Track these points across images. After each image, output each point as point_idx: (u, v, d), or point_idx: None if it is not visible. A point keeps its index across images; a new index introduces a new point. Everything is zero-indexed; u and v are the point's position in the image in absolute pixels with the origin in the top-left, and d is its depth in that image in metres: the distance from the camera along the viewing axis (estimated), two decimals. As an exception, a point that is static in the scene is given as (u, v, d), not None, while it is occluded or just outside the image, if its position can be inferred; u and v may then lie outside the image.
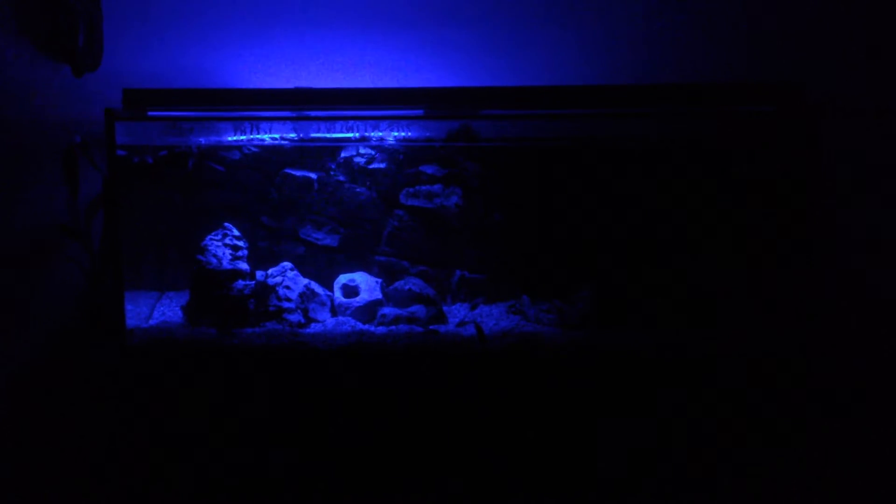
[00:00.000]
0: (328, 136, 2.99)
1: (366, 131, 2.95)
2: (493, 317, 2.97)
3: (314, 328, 2.84)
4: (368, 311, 2.93)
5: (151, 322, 2.86)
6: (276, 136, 3.00)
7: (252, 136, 2.98)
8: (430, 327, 2.82)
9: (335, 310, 2.96)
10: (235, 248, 2.93)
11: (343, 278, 3.04)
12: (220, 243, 2.91)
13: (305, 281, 2.97)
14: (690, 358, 2.70)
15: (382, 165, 3.11)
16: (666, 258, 2.99)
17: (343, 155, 3.12)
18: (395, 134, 2.97)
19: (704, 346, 2.76)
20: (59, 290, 2.89)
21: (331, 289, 3.01)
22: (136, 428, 2.65)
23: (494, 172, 3.11)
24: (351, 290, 3.00)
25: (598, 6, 3.12)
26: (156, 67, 3.03)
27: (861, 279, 3.01)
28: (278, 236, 3.14)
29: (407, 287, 2.99)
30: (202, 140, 3.00)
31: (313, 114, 2.83)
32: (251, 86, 3.09)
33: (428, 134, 3.00)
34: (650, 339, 2.79)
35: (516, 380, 2.67)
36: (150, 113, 2.68)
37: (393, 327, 2.84)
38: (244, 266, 2.89)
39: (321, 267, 3.12)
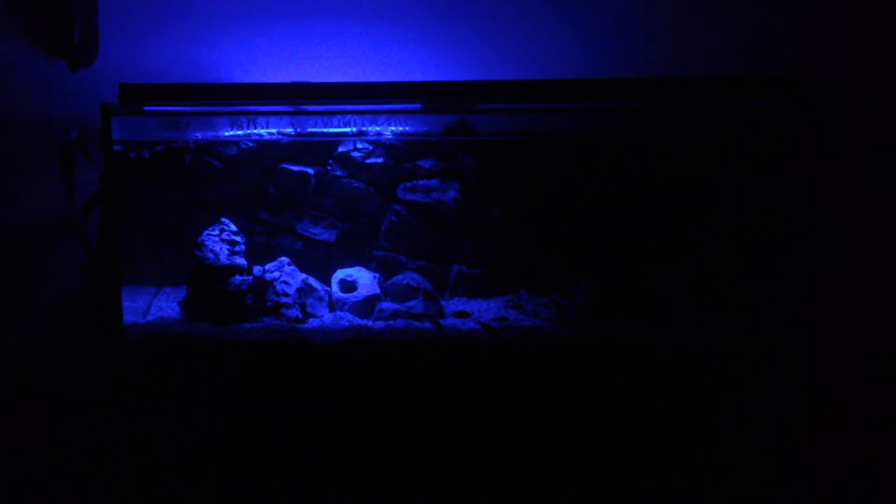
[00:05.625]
0: (325, 130, 2.98)
1: (363, 126, 2.94)
2: (490, 311, 2.97)
3: (312, 323, 2.84)
4: (366, 306, 2.93)
5: (149, 318, 2.86)
6: (273, 130, 2.99)
7: (249, 131, 2.97)
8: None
9: (333, 305, 2.95)
10: (233, 243, 2.92)
11: (341, 273, 3.03)
12: (217, 238, 2.91)
13: (303, 276, 2.97)
14: (690, 353, 2.70)
15: (380, 160, 3.11)
16: (664, 253, 2.99)
17: (340, 149, 3.12)
18: (393, 128, 2.97)
19: (704, 341, 2.76)
20: (55, 287, 2.89)
21: (328, 284, 3.01)
22: (134, 424, 2.65)
23: (492, 167, 3.10)
24: (349, 285, 3.00)
25: (595, 0, 3.11)
26: (152, 62, 3.02)
27: (861, 276, 3.01)
28: (276, 231, 3.14)
29: (405, 282, 2.99)
30: (199, 135, 2.99)
31: (310, 108, 2.82)
32: (248, 80, 3.08)
33: (425, 128, 2.99)
34: (649, 334, 2.79)
35: (514, 374, 2.67)
36: (146, 108, 2.67)
37: (391, 322, 2.83)
38: (241, 261, 2.89)
39: (319, 262, 3.12)
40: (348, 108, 2.82)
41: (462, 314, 2.90)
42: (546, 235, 3.08)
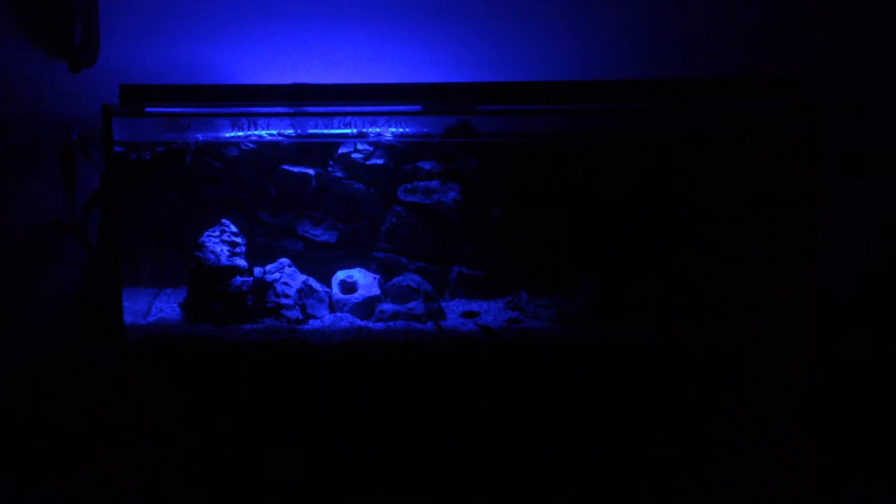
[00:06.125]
0: (326, 131, 2.98)
1: (363, 127, 2.95)
2: (490, 312, 2.97)
3: (312, 324, 2.84)
4: (367, 308, 2.93)
5: (149, 319, 2.86)
6: (274, 132, 3.00)
7: (249, 133, 2.98)
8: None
9: (333, 306, 2.95)
10: (233, 244, 2.92)
11: (341, 274, 3.03)
12: (217, 239, 2.91)
13: (303, 277, 2.97)
14: (690, 353, 2.70)
15: (380, 161, 3.11)
16: (664, 253, 2.99)
17: (341, 151, 3.12)
18: (393, 130, 2.97)
19: (704, 341, 2.75)
20: (56, 288, 2.88)
21: (329, 285, 3.01)
22: (134, 424, 2.65)
23: (493, 168, 3.11)
24: (349, 287, 3.00)
25: (597, 1, 3.12)
26: (153, 63, 3.03)
27: (861, 276, 3.01)
28: (276, 232, 3.14)
29: (405, 283, 2.99)
30: (199, 136, 3.00)
31: (311, 110, 2.82)
32: (249, 81, 3.08)
33: (426, 130, 2.99)
34: (648, 335, 2.78)
35: (514, 375, 2.67)
36: (147, 109, 2.68)
37: (391, 323, 2.83)
38: (242, 262, 2.89)
39: (319, 263, 3.12)
40: (349, 109, 2.82)
41: (471, 314, 2.89)
42: (546, 236, 3.08)
